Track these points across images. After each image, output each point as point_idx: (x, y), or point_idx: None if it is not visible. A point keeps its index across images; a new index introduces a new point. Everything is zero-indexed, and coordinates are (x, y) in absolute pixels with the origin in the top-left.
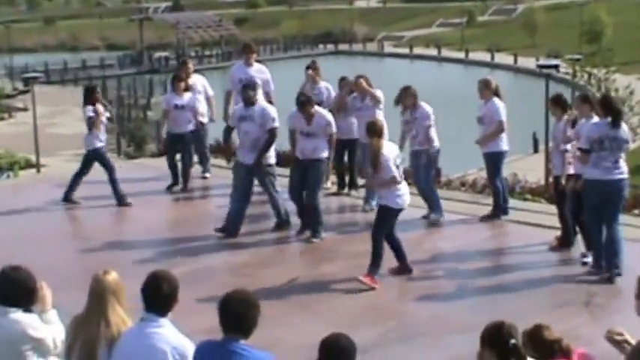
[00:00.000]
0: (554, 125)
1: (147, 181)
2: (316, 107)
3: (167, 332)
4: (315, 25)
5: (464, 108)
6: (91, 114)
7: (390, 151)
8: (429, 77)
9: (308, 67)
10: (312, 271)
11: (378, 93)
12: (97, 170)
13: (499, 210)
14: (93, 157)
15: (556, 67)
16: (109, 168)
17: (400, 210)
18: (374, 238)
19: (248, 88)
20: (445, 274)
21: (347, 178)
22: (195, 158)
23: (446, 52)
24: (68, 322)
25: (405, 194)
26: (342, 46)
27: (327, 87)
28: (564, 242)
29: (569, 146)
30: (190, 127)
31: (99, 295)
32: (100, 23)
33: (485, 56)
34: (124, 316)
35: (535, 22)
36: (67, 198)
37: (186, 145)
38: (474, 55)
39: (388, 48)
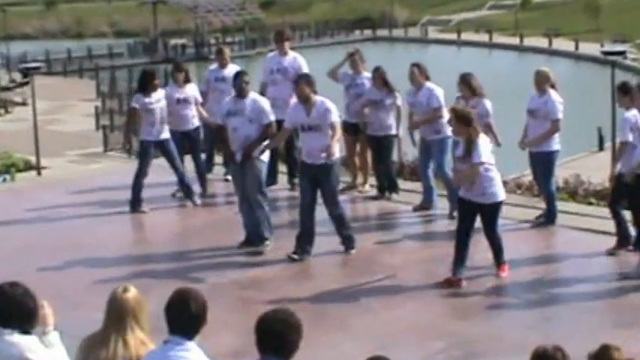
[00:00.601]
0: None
1: (161, 185)
2: (318, 97)
3: (194, 357)
4: (351, 8)
5: (518, 101)
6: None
7: (485, 140)
8: (479, 66)
9: (352, 54)
10: (348, 286)
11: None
12: (108, 174)
13: (554, 215)
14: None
15: (623, 53)
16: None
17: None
18: (493, 237)
19: (241, 75)
20: (496, 287)
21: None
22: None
23: (498, 38)
24: (71, 344)
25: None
26: (381, 32)
27: (370, 78)
28: (622, 244)
29: None
30: (196, 122)
31: (117, 315)
32: (108, 7)
33: (542, 42)
34: (144, 338)
35: (599, 3)
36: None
37: (194, 143)
38: (529, 41)
39: (433, 33)
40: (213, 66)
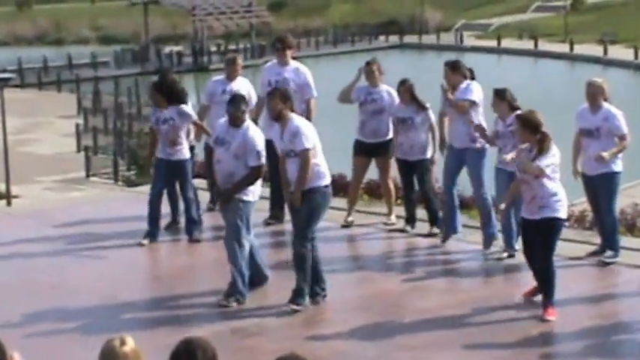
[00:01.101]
0: None
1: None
2: (293, 115)
3: None
4: (375, 10)
5: (569, 117)
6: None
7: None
8: (523, 77)
9: (368, 64)
10: (365, 335)
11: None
12: (90, 203)
13: (617, 249)
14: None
15: None
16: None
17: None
18: (547, 264)
19: (238, 101)
20: (543, 335)
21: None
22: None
23: (544, 45)
24: None
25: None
26: (410, 38)
27: (390, 91)
28: None
29: None
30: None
31: None
32: (91, 8)
33: (596, 50)
34: None
35: None
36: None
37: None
38: (580, 49)
39: (469, 40)
40: (220, 77)
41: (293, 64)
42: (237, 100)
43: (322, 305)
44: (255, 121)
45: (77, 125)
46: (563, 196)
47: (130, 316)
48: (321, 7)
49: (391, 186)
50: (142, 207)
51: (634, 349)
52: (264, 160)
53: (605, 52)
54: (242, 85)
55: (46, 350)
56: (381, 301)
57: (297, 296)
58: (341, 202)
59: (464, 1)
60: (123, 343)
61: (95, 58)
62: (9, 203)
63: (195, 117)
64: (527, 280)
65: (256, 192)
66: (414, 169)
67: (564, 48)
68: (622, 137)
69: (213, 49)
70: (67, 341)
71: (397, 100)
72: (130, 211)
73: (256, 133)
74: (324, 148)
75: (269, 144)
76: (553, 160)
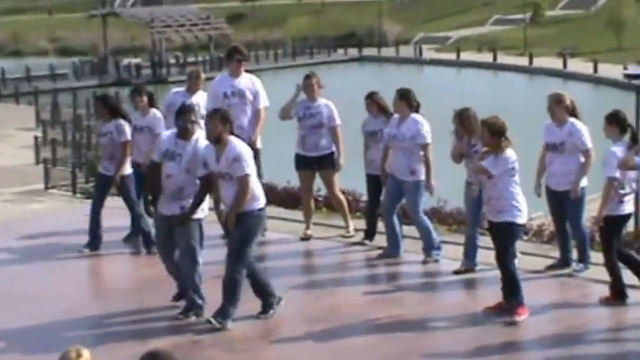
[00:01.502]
0: None
1: (112, 229)
2: (232, 139)
3: None
4: (334, 23)
5: (528, 131)
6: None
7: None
8: (482, 90)
9: (307, 78)
10: (330, 347)
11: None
12: (50, 215)
13: (587, 261)
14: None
15: None
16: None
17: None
18: (505, 267)
19: (187, 112)
20: (512, 348)
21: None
22: None
23: (504, 58)
24: None
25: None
26: (369, 51)
27: (329, 105)
28: (618, 295)
29: None
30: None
31: None
32: (49, 20)
33: (555, 63)
34: None
35: (622, 19)
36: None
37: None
38: (540, 62)
39: (428, 53)
40: (180, 89)
41: (245, 75)
42: (186, 111)
43: (280, 317)
44: None
45: (36, 138)
46: (523, 203)
47: (91, 327)
48: (280, 19)
49: (341, 197)
50: (105, 219)
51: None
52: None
53: (565, 65)
54: (202, 99)
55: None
56: (339, 313)
57: (220, 314)
58: (299, 214)
59: (423, 14)
60: (79, 355)
61: (54, 69)
62: None
63: (128, 137)
64: (488, 293)
65: (205, 207)
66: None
67: (524, 61)
68: (586, 152)
69: (172, 61)
70: (27, 351)
71: (336, 112)
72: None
73: (204, 144)
74: (280, 159)
75: None
76: (505, 164)
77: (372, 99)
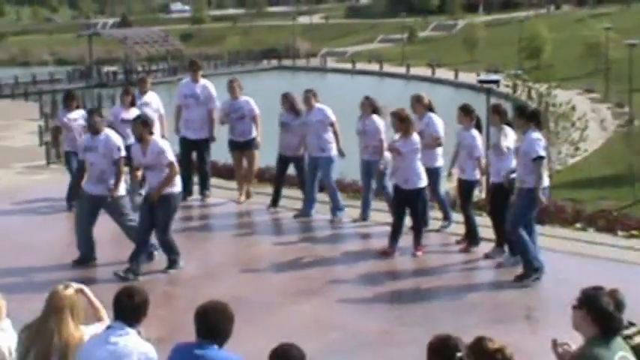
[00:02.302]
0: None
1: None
2: (153, 137)
3: (133, 339)
4: (259, 41)
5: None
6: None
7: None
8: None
9: (230, 82)
10: (259, 284)
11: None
12: (49, 184)
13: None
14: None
15: (496, 82)
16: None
17: None
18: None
19: (95, 113)
20: (388, 288)
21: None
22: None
23: (387, 68)
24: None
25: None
26: (286, 62)
27: (248, 100)
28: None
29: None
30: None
31: (56, 308)
32: (49, 39)
33: (426, 71)
34: (74, 328)
35: (475, 38)
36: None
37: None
38: (415, 71)
39: (331, 63)
40: (135, 91)
41: (202, 81)
42: (92, 112)
43: (219, 262)
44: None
45: (39, 126)
46: (423, 173)
47: (75, 269)
48: (219, 38)
49: (253, 171)
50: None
51: (450, 295)
52: (123, 153)
53: (433, 73)
54: (153, 99)
55: (18, 290)
56: (260, 259)
57: (172, 265)
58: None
59: (326, 33)
60: (66, 287)
61: (53, 75)
62: None
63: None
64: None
65: (124, 188)
66: (291, 163)
67: (402, 70)
68: (437, 139)
69: (140, 68)
70: (31, 285)
71: (254, 105)
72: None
73: (113, 136)
74: (222, 147)
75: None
76: (412, 144)
77: (286, 97)
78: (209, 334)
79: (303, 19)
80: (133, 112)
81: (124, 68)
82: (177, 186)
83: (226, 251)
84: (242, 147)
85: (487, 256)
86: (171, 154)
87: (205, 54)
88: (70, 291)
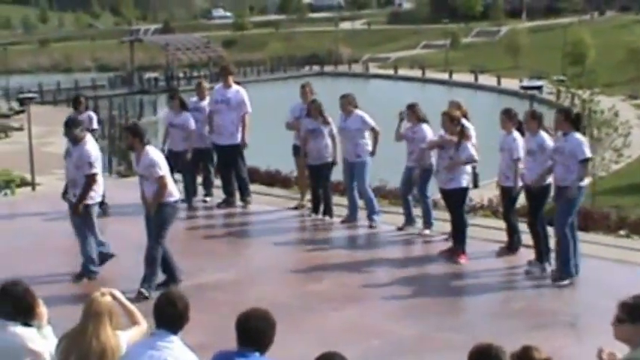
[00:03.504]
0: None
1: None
2: (147, 147)
3: (177, 346)
4: (301, 46)
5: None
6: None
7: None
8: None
9: (303, 86)
10: (301, 289)
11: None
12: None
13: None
14: None
15: (539, 88)
16: None
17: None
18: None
19: (69, 125)
20: (427, 294)
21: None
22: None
23: (430, 74)
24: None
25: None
26: (328, 68)
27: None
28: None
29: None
30: (184, 146)
31: (94, 315)
32: (92, 45)
33: (468, 77)
34: (112, 334)
35: (518, 44)
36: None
37: (183, 164)
38: (457, 77)
39: (373, 69)
40: (194, 98)
41: (234, 86)
42: (70, 123)
43: (262, 267)
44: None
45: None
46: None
47: (125, 271)
48: (261, 44)
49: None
50: (127, 192)
51: (490, 304)
52: (95, 170)
53: (476, 79)
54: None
55: (58, 295)
56: (302, 265)
57: (145, 282)
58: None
59: (368, 39)
60: (103, 294)
61: (95, 82)
62: (34, 189)
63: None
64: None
65: (96, 196)
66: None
67: (445, 76)
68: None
69: (181, 75)
70: (73, 290)
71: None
72: (119, 195)
73: (91, 148)
74: (270, 150)
75: (217, 147)
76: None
77: (313, 104)
78: (251, 342)
79: (345, 25)
80: (183, 117)
81: (166, 75)
82: (172, 195)
83: (266, 257)
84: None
85: (527, 272)
86: (162, 167)
87: (248, 60)
88: (107, 298)
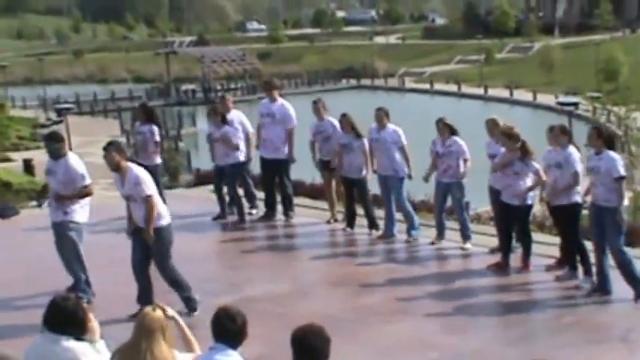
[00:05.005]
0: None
1: (183, 211)
2: (131, 164)
3: None
4: (337, 60)
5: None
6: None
7: None
8: (450, 112)
9: (314, 102)
10: (352, 302)
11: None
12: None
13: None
14: None
15: (576, 104)
16: None
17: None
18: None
19: (49, 140)
20: (482, 307)
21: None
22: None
23: (465, 89)
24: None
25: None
26: (364, 81)
27: (332, 121)
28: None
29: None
30: (228, 160)
31: (147, 330)
32: (126, 56)
33: (504, 92)
34: (167, 350)
35: (551, 60)
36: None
37: (227, 177)
38: (492, 92)
39: (409, 83)
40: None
41: (279, 100)
42: (49, 138)
43: (312, 281)
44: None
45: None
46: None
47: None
48: (297, 57)
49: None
50: (172, 204)
51: (543, 318)
52: (86, 181)
53: (511, 94)
54: (235, 117)
55: (106, 309)
56: (353, 279)
57: (187, 303)
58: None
59: (403, 53)
60: (155, 309)
61: (131, 93)
62: None
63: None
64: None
65: (82, 213)
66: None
67: (480, 91)
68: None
69: (218, 87)
70: (121, 303)
71: (338, 125)
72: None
73: (75, 162)
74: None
75: (262, 160)
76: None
77: (345, 118)
78: (308, 358)
79: (379, 39)
80: (225, 131)
81: (202, 86)
82: (164, 218)
83: (313, 269)
84: (329, 166)
85: (558, 278)
86: (149, 186)
87: (284, 73)
88: (159, 312)
